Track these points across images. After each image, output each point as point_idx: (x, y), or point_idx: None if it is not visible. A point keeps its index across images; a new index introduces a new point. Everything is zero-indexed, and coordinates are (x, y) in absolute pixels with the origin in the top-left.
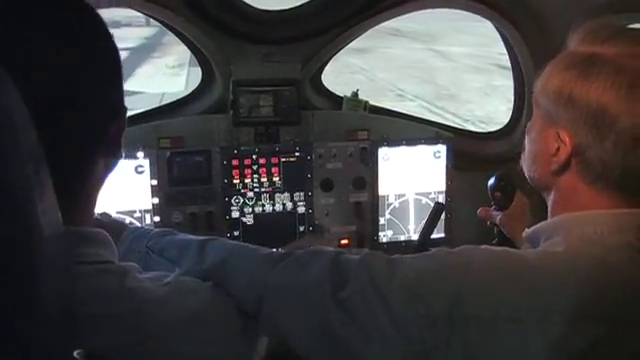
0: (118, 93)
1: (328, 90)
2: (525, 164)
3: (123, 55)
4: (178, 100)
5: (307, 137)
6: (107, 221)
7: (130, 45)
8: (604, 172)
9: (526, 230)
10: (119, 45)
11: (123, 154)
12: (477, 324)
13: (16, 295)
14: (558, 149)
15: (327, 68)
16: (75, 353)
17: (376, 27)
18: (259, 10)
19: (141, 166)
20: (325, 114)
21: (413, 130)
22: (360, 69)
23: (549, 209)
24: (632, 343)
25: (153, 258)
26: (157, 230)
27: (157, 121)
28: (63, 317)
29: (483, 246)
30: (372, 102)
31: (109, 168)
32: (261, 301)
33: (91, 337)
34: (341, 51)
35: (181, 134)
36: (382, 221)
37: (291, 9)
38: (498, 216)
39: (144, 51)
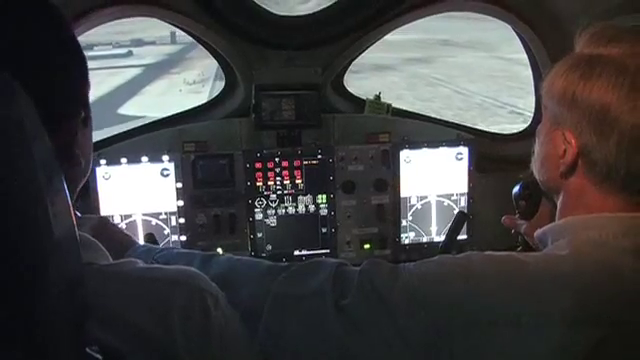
0: (65, 96)
1: (351, 93)
2: (535, 167)
3: (134, 72)
4: (202, 105)
5: (328, 140)
6: (119, 233)
7: (146, 62)
8: (610, 173)
9: (537, 232)
10: (132, 62)
11: (82, 162)
12: (478, 328)
13: (27, 293)
14: (565, 151)
15: (394, 79)
16: (88, 349)
17: (423, 37)
18: (278, 16)
19: (166, 169)
20: (346, 117)
21: (434, 132)
22: (436, 80)
23: (557, 211)
24: (636, 346)
25: None
26: (164, 247)
27: (181, 125)
28: (74, 315)
29: (487, 252)
30: (485, 124)
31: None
32: (263, 310)
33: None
34: (401, 60)
35: (205, 138)
36: (404, 223)
37: (310, 15)
38: (523, 225)
39: (161, 67)
